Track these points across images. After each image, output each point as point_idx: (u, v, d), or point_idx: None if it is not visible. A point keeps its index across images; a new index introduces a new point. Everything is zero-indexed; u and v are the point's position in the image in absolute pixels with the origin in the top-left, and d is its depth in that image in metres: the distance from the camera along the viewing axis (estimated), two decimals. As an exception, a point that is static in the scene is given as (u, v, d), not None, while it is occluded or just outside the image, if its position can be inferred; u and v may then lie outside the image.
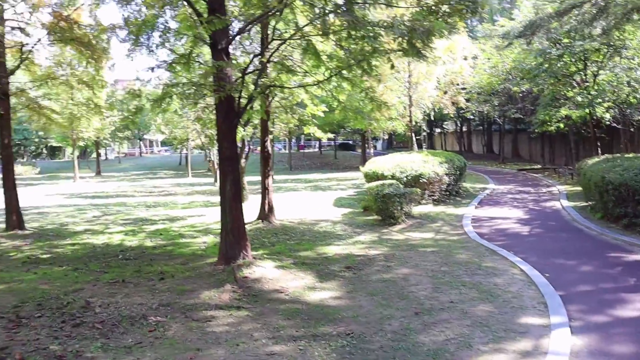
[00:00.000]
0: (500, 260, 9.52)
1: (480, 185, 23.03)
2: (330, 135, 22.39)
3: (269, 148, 14.54)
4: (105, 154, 71.53)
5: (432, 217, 14.53)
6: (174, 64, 9.95)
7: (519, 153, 43.25)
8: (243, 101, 9.26)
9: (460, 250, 10.45)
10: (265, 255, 10.03)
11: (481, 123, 48.69)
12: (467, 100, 32.47)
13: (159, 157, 73.30)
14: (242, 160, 18.85)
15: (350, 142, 61.40)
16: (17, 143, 55.43)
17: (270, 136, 15.45)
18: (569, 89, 21.65)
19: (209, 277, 8.70)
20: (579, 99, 20.14)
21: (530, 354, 5.46)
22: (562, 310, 6.66)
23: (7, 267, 10.03)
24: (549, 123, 23.27)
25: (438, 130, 59.76)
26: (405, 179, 16.12)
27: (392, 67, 9.52)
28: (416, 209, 15.57)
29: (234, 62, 9.78)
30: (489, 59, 29.37)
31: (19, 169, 43.47)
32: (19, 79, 17.15)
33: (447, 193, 17.72)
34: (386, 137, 58.48)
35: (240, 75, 9.15)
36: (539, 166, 31.92)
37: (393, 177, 16.16)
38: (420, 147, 36.95)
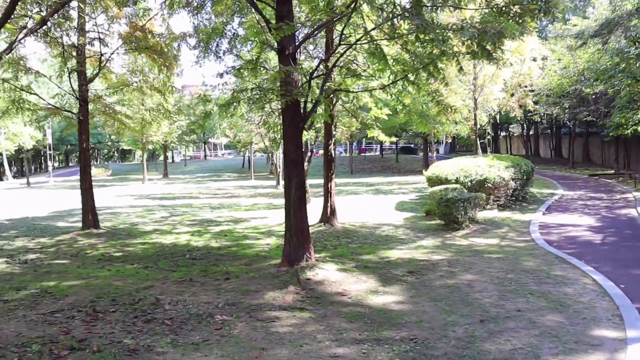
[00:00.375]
0: (571, 269, 9.16)
1: (548, 190, 22.21)
2: (393, 139, 22.24)
3: (332, 152, 14.65)
4: (172, 157, 74.18)
5: (497, 223, 14.16)
6: (241, 70, 10.24)
7: (590, 158, 41.37)
8: (309, 105, 9.39)
9: (527, 257, 10.13)
10: (327, 258, 10.12)
11: (549, 126, 46.96)
12: (536, 102, 31.49)
13: (223, 159, 75.29)
14: (305, 164, 19.05)
15: (412, 145, 60.77)
16: (92, 146, 58.51)
17: (333, 139, 15.53)
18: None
19: (272, 278, 8.87)
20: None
21: (604, 368, 5.24)
22: (639, 324, 6.34)
23: (83, 263, 10.62)
24: (625, 126, 22.16)
25: (503, 133, 58.18)
26: (469, 183, 15.81)
27: (460, 69, 9.41)
28: (481, 214, 15.22)
29: (300, 67, 9.91)
30: (559, 60, 28.33)
31: (93, 171, 45.91)
32: (96, 86, 18.14)
33: (514, 198, 17.21)
34: (449, 140, 57.52)
35: (306, 80, 9.29)
36: (613, 171, 30.39)
37: (457, 181, 15.90)
38: (484, 151, 36.13)
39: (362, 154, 64.25)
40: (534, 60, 24.97)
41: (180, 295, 8.02)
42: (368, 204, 19.33)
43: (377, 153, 61.99)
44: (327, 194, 14.41)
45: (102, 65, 14.26)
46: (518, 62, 24.84)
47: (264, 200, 23.74)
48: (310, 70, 9.59)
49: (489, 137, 46.18)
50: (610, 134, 24.89)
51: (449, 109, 10.50)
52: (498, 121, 34.16)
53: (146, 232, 14.85)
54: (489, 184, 15.90)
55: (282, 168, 30.99)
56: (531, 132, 51.25)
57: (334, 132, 16.13)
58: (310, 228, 14.15)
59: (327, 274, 8.85)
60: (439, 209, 13.66)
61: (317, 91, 9.58)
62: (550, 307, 7.09)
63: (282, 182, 31.55)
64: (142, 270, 9.87)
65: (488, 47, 7.63)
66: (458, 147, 62.02)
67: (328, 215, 14.34)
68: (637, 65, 19.64)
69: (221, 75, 10.29)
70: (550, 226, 13.81)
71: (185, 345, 5.99)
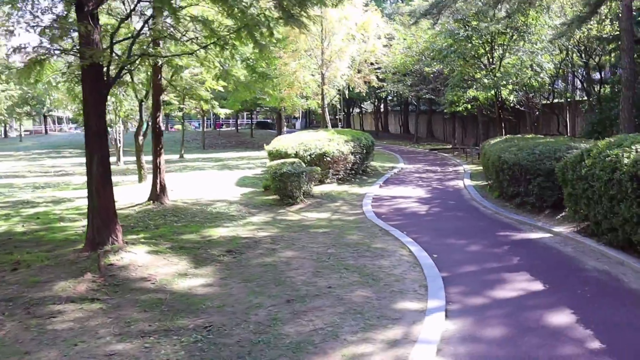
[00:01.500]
0: (392, 241, 9.20)
1: (389, 164, 23.01)
2: (228, 111, 21.48)
3: (161, 125, 13.46)
4: (4, 132, 66.25)
5: (333, 197, 14.11)
6: (46, 29, 8.74)
7: (433, 134, 44.10)
8: (115, 72, 8.27)
9: (353, 231, 10.05)
10: (143, 240, 9.15)
11: (398, 103, 49.20)
12: (382, 80, 32.54)
13: (67, 134, 68.83)
14: (140, 138, 17.58)
15: (269, 120, 60.36)
16: None
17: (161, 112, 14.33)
18: (477, 70, 21.93)
19: (70, 265, 7.72)
20: (486, 80, 20.41)
21: (398, 343, 5.04)
22: (441, 294, 6.35)
23: None
24: (457, 104, 23.55)
25: (357, 110, 60.00)
26: (309, 157, 15.61)
27: (271, 34, 8.84)
28: (319, 188, 15.13)
29: (102, 27, 8.67)
30: (404, 39, 29.40)
31: None
32: None
33: (353, 172, 17.42)
34: (302, 116, 58.00)
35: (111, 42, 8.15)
36: (450, 146, 32.58)
37: (297, 155, 15.60)
38: (335, 126, 36.70)
39: (217, 129, 62.52)
40: (379, 38, 25.56)
41: (-57, 292, 6.63)
42: (210, 180, 18.41)
43: (233, 128, 60.63)
44: (156, 170, 13.27)
45: None
46: (364, 39, 25.32)
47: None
48: (112, 31, 8.41)
49: (343, 113, 47.25)
50: (445, 110, 26.39)
51: (276, 80, 9.88)
52: (347, 97, 34.72)
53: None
54: (328, 158, 15.84)
55: (116, 143, 28.81)
56: (382, 110, 53.40)
57: (181, 105, 14.80)
58: (137, 207, 13.19)
59: (135, 257, 7.93)
60: (273, 183, 13.24)
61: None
62: (361, 281, 6.91)
63: (122, 159, 29.39)
64: None
65: (293, 11, 7.14)
66: (315, 122, 62.84)
67: (157, 193, 13.23)
68: (467, 46, 20.85)
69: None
70: (383, 199, 14.07)
71: None
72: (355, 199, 13.81)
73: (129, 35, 8.70)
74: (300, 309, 5.96)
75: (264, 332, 5.31)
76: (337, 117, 40.33)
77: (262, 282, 6.99)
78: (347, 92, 30.93)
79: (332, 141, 16.47)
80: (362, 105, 57.00)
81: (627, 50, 12.42)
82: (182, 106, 25.83)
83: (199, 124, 61.55)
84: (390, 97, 46.95)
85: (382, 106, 52.29)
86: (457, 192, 14.87)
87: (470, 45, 20.68)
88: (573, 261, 7.73)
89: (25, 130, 68.16)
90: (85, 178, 20.86)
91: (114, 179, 19.94)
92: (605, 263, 7.50)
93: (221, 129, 62.29)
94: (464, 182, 16.31)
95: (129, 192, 14.91)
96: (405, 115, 49.83)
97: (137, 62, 8.87)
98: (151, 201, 13.26)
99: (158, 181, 13.30)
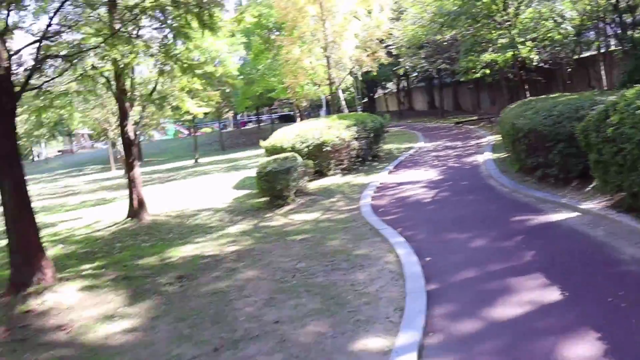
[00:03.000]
0: (379, 243, 7.54)
1: (407, 144, 21.14)
2: (206, 110, 20.21)
3: (130, 134, 12.11)
4: (32, 156, 66.91)
5: (331, 191, 12.47)
6: None
7: (460, 106, 41.67)
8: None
9: (338, 234, 8.43)
10: (85, 273, 7.82)
11: (423, 79, 46.77)
12: (397, 55, 30.53)
13: (94, 151, 69.21)
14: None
15: (292, 113, 58.77)
16: None
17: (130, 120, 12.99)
18: (491, 31, 19.78)
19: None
20: (501, 40, 18.30)
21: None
22: (419, 321, 4.72)
23: None
24: (474, 70, 21.44)
25: (382, 92, 57.66)
26: (306, 149, 14.01)
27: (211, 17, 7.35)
28: (319, 182, 13.56)
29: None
30: (411, 7, 27.31)
31: None
32: None
33: (360, 159, 15.71)
34: (325, 104, 56.21)
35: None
36: (476, 117, 30.31)
37: (293, 149, 14.03)
38: (354, 111, 34.87)
39: (242, 128, 61.45)
40: (382, 10, 23.57)
41: None
42: (209, 185, 17.08)
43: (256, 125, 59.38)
44: (131, 185, 11.98)
45: None
46: (367, 14, 23.46)
47: (101, 194, 20.70)
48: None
49: (360, 96, 45.23)
50: (462, 79, 24.26)
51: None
52: (361, 79, 32.82)
53: None
54: (328, 147, 14.19)
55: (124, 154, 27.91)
56: (405, 88, 51.07)
57: (132, 112, 13.28)
58: (113, 227, 11.93)
59: (62, 298, 6.59)
60: (259, 184, 11.76)
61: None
62: (321, 309, 5.33)
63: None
64: None
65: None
66: (339, 108, 60.91)
67: (135, 209, 11.93)
68: (477, 4, 18.72)
69: None
70: (388, 187, 12.38)
71: None
72: (356, 191, 12.15)
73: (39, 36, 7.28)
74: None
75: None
76: (356, 101, 38.30)
77: (199, 319, 5.51)
78: (359, 74, 29.15)
79: (331, 128, 14.81)
80: (386, 86, 54.69)
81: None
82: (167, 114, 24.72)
83: (222, 125, 60.73)
84: (414, 74, 44.65)
85: (404, 84, 49.93)
86: (474, 170, 13.01)
87: (479, 3, 18.53)
88: (605, 250, 5.94)
89: (58, 151, 68.83)
90: (86, 197, 19.87)
91: (115, 194, 19.04)
92: (648, 249, 5.69)
93: (245, 127, 61.26)
94: (484, 157, 14.40)
95: (118, 210, 13.68)
96: (429, 91, 47.39)
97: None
98: (130, 218, 12.01)
99: (135, 196, 12.01)
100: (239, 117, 64.62)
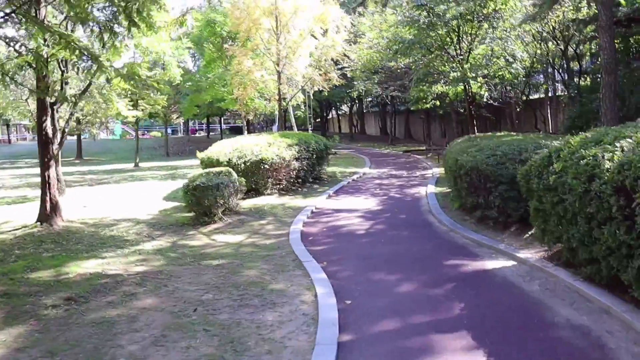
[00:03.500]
0: (300, 278, 6.84)
1: (352, 169, 20.71)
2: (139, 114, 19.27)
3: (49, 131, 11.05)
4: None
5: (263, 212, 11.73)
6: None
7: (411, 134, 41.92)
8: None
9: (258, 262, 7.69)
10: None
11: (376, 104, 46.90)
12: (352, 78, 30.30)
13: (31, 144, 65.82)
14: (55, 147, 15.12)
15: (242, 125, 57.85)
16: None
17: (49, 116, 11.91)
18: (444, 63, 19.70)
19: None
20: (453, 74, 18.20)
21: None
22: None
23: None
24: (424, 100, 21.30)
25: (335, 113, 57.54)
26: (243, 165, 13.26)
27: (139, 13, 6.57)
28: (252, 201, 12.81)
29: None
30: (367, 32, 27.17)
31: None
32: None
33: (300, 180, 15.07)
34: (279, 119, 55.57)
35: None
36: (425, 148, 30.35)
37: (229, 163, 13.26)
38: (306, 130, 34.32)
39: (192, 135, 59.94)
40: (338, 32, 23.19)
41: None
42: (139, 193, 16.00)
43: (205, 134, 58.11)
44: (45, 186, 10.88)
45: None
46: (322, 33, 23.04)
47: (24, 192, 19.11)
48: None
49: (311, 116, 44.86)
50: (412, 108, 24.15)
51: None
52: (313, 98, 32.38)
53: None
54: (266, 165, 13.48)
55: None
56: (356, 111, 51.10)
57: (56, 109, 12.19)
58: (17, 231, 10.75)
59: None
60: (186, 198, 10.90)
61: None
62: (214, 356, 4.57)
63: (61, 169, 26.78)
64: None
65: None
66: (289, 126, 60.34)
67: (47, 213, 10.81)
68: (431, 35, 18.58)
69: None
70: (323, 213, 11.76)
71: None
72: (290, 215, 11.45)
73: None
74: None
75: None
76: (317, 121, 37.75)
77: (71, 356, 4.63)
78: (312, 93, 28.72)
79: (272, 145, 14.13)
80: (340, 107, 54.62)
81: (606, 28, 10.27)
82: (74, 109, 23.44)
83: (172, 130, 59.06)
84: (368, 98, 44.63)
85: (357, 107, 49.98)
86: (415, 203, 12.58)
87: (434, 34, 18.39)
88: (539, 309, 5.45)
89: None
90: (5, 193, 18.29)
91: (32, 193, 17.56)
92: (584, 312, 5.24)
93: (194, 135, 59.81)
94: (427, 189, 14.03)
95: (34, 211, 12.41)
96: (383, 116, 47.58)
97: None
98: (39, 223, 10.86)
99: (47, 199, 10.91)
100: (191, 123, 63.12)
